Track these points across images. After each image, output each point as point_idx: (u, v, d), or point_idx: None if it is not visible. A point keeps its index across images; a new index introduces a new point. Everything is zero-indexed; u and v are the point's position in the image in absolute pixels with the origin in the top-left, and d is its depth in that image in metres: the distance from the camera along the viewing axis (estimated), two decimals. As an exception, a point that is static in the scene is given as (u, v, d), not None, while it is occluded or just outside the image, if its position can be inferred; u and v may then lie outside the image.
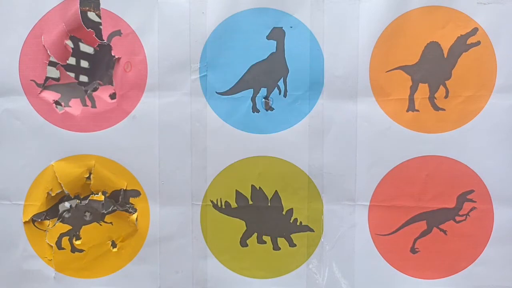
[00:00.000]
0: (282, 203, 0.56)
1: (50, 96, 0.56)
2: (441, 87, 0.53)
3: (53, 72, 0.56)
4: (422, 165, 0.54)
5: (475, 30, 0.52)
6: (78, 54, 0.56)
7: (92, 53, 0.56)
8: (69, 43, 0.55)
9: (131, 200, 0.57)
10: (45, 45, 0.55)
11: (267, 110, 0.55)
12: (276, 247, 0.56)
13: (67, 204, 0.58)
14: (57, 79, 0.56)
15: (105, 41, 0.55)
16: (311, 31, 0.53)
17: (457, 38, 0.52)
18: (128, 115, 0.56)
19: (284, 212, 0.56)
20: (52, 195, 0.57)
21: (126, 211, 0.57)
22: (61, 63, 0.55)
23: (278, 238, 0.56)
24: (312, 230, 0.56)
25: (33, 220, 0.57)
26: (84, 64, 0.56)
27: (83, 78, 0.56)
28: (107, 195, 0.57)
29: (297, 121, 0.54)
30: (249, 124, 0.55)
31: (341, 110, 0.54)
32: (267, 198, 0.56)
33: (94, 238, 0.57)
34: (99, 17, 0.54)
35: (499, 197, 0.53)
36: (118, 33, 0.55)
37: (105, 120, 0.56)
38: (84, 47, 0.56)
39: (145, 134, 0.56)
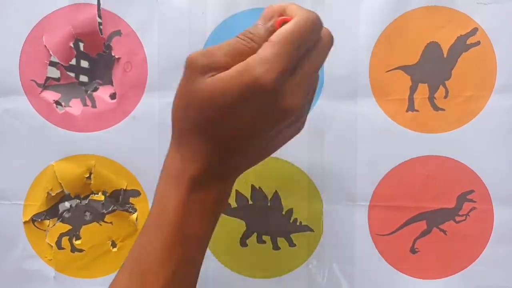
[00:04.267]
0: (282, 203, 0.56)
1: (50, 96, 0.56)
2: (441, 87, 0.53)
3: (54, 72, 0.56)
4: (422, 165, 0.54)
5: (475, 30, 0.52)
6: (79, 54, 0.56)
7: (93, 55, 0.56)
8: (72, 44, 0.56)
9: (131, 200, 0.57)
10: (47, 46, 0.55)
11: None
12: (276, 247, 0.56)
13: (67, 204, 0.58)
14: (58, 79, 0.56)
15: (108, 44, 0.55)
16: (311, 31, 0.53)
17: (457, 38, 0.52)
18: (128, 115, 0.56)
19: (284, 212, 0.56)
20: (52, 195, 0.57)
21: (126, 211, 0.57)
22: (63, 64, 0.55)
23: (278, 238, 0.56)
24: (312, 230, 0.56)
25: (33, 220, 0.57)
26: (84, 64, 0.56)
27: (83, 78, 0.56)
28: (107, 194, 0.57)
29: (297, 121, 0.54)
30: (249, 124, 0.54)
31: (341, 110, 0.54)
32: (267, 198, 0.56)
33: (94, 238, 0.57)
34: (100, 17, 0.55)
35: (499, 197, 0.53)
36: (118, 33, 0.55)
37: (105, 120, 0.56)
38: (86, 48, 0.56)
39: (145, 134, 0.56)
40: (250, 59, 0.30)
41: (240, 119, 0.32)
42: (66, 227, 0.58)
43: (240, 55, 0.31)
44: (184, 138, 0.36)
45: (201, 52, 0.32)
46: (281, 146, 0.40)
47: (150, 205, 0.56)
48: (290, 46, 0.30)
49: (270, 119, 0.33)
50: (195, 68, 0.32)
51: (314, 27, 0.32)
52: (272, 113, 0.32)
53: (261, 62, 0.29)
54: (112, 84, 0.56)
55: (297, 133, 0.40)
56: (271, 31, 0.31)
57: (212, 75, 0.31)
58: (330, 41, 0.34)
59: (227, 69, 0.31)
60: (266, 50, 0.30)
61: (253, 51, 0.31)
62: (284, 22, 0.31)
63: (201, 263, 0.39)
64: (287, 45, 0.30)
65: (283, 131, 0.36)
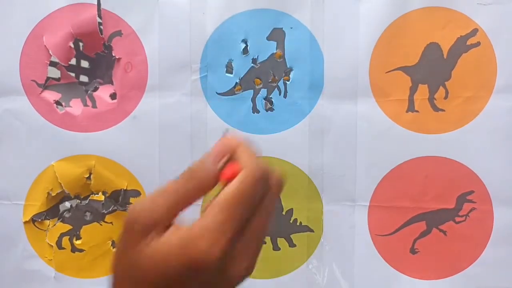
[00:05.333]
0: (282, 203, 0.56)
1: (51, 96, 0.56)
2: (441, 88, 0.53)
3: (54, 72, 0.56)
4: (422, 165, 0.54)
5: (475, 31, 0.52)
6: (79, 54, 0.56)
7: (92, 55, 0.56)
8: (71, 44, 0.56)
9: (131, 200, 0.57)
10: (46, 46, 0.55)
11: (267, 111, 0.55)
12: (276, 247, 0.56)
13: (67, 204, 0.58)
14: (58, 79, 0.56)
15: (109, 44, 0.55)
16: (311, 32, 0.53)
17: (457, 39, 0.52)
18: (129, 115, 0.56)
19: (284, 212, 0.56)
20: (53, 195, 0.57)
21: (126, 211, 0.57)
22: (63, 64, 0.55)
23: (278, 238, 0.56)
24: (312, 231, 0.56)
25: (33, 220, 0.57)
26: (84, 64, 0.56)
27: (83, 78, 0.56)
28: (107, 195, 0.57)
29: (297, 122, 0.54)
30: (249, 125, 0.55)
31: (341, 111, 0.54)
32: (267, 199, 0.56)
33: (94, 238, 0.58)
34: (100, 17, 0.55)
35: (499, 198, 0.53)
36: (118, 33, 0.55)
37: (105, 120, 0.56)
38: (86, 48, 0.56)
39: (146, 134, 0.56)
40: (194, 228, 0.27)
41: None
42: (67, 227, 0.58)
43: (187, 200, 0.28)
44: None
45: (142, 206, 0.28)
46: None
47: (150, 205, 0.57)
48: (235, 211, 0.26)
49: None
50: (137, 229, 0.28)
51: (262, 185, 0.28)
52: (218, 284, 0.28)
53: (205, 233, 0.26)
54: (112, 83, 0.56)
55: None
56: (218, 174, 0.28)
57: (156, 235, 0.27)
58: (280, 188, 0.30)
59: (171, 225, 0.28)
60: (209, 218, 0.27)
61: (201, 192, 0.28)
62: (233, 175, 0.28)
63: None
64: (232, 211, 0.26)
65: None
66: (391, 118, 0.54)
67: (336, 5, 0.53)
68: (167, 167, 0.56)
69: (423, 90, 0.53)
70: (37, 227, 0.58)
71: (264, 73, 0.54)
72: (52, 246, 0.57)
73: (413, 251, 0.55)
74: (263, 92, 0.55)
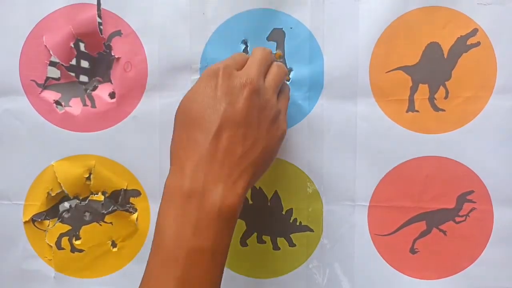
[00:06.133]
0: (282, 203, 0.56)
1: (50, 96, 0.56)
2: (441, 87, 0.53)
3: (54, 72, 0.56)
4: (422, 165, 0.54)
5: (475, 31, 0.52)
6: (79, 54, 0.56)
7: (94, 54, 0.56)
8: (72, 44, 0.55)
9: (132, 200, 0.57)
10: (47, 46, 0.55)
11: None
12: (275, 247, 0.56)
13: (66, 204, 0.58)
14: (58, 79, 0.56)
15: (108, 44, 0.55)
16: (311, 32, 0.53)
17: (457, 38, 0.52)
18: (129, 115, 0.56)
19: (283, 212, 0.56)
20: (52, 195, 0.57)
21: (127, 211, 0.57)
22: (64, 64, 0.55)
23: (277, 238, 0.56)
24: (311, 230, 0.56)
25: (33, 220, 0.57)
26: (85, 64, 0.56)
27: (83, 78, 0.56)
28: (107, 195, 0.57)
29: (297, 121, 0.54)
30: (249, 125, 0.54)
31: (341, 111, 0.54)
32: (267, 198, 0.56)
33: (94, 238, 0.58)
34: (99, 17, 0.55)
35: (499, 198, 0.53)
36: (118, 33, 0.55)
37: (105, 120, 0.56)
38: (87, 48, 0.56)
39: (146, 134, 0.56)
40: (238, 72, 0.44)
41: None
42: (66, 227, 0.58)
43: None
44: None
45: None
46: (274, 145, 0.46)
47: (150, 205, 0.57)
48: (260, 62, 0.45)
49: (256, 107, 0.42)
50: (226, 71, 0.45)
51: (269, 55, 0.48)
52: (259, 104, 0.43)
53: (245, 71, 0.44)
54: (111, 82, 0.56)
55: (282, 134, 0.46)
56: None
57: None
58: (282, 66, 0.49)
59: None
60: (246, 67, 0.45)
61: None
62: None
63: (214, 278, 0.38)
64: (259, 61, 0.45)
65: (270, 129, 0.44)
66: (391, 118, 0.54)
67: (336, 5, 0.53)
68: (168, 167, 0.56)
69: (423, 90, 0.53)
70: (37, 227, 0.58)
71: (264, 73, 0.54)
72: (51, 246, 0.58)
73: (413, 251, 0.55)
74: (263, 92, 0.55)
